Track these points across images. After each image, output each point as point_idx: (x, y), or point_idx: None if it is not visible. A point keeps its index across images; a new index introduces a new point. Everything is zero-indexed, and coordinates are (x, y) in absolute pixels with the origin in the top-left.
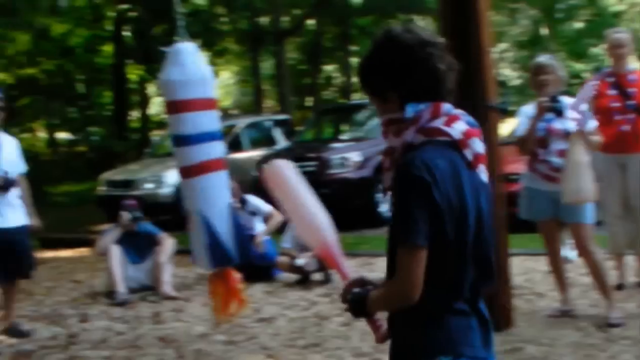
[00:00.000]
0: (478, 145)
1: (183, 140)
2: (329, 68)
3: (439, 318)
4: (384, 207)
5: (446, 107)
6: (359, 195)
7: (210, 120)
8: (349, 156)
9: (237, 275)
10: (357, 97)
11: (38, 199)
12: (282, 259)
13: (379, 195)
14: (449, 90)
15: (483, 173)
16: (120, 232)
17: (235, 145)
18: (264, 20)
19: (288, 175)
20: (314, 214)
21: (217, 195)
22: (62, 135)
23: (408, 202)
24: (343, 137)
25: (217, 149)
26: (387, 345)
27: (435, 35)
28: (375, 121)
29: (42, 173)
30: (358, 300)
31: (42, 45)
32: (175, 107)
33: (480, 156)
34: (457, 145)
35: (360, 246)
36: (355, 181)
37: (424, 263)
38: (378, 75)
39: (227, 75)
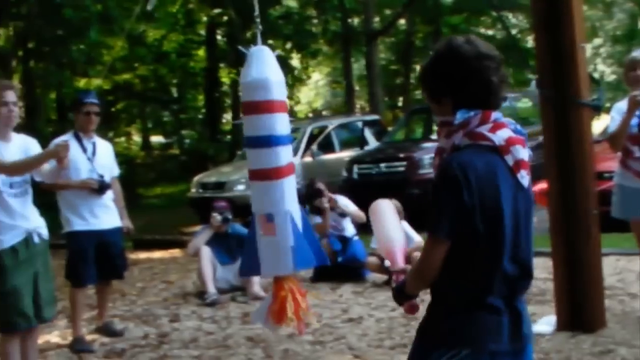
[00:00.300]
0: (520, 152)
1: (264, 141)
2: None
3: (467, 311)
4: None
5: (495, 115)
6: None
7: (285, 123)
8: None
9: (300, 285)
10: None
11: (132, 201)
12: (371, 260)
13: None
14: (500, 99)
15: (524, 178)
16: (211, 233)
17: (326, 146)
18: (355, 21)
19: (384, 208)
20: (390, 233)
21: (294, 198)
22: (155, 138)
23: (439, 198)
24: (434, 137)
25: (290, 152)
26: None
27: (493, 48)
28: None
29: (136, 176)
30: (400, 287)
31: (137, 51)
32: (254, 108)
33: (522, 162)
34: (498, 151)
35: None
36: None
37: (442, 254)
38: (436, 81)
39: (319, 77)
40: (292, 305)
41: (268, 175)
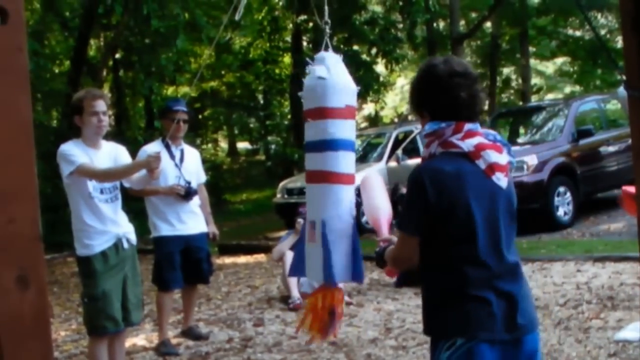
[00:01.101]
0: (492, 156)
1: (328, 145)
2: (507, 70)
3: (453, 303)
4: (561, 211)
5: (469, 126)
6: (535, 199)
7: (351, 129)
8: (526, 159)
9: (342, 297)
10: (536, 100)
11: (218, 207)
12: None
13: (557, 199)
14: (474, 112)
15: (501, 180)
16: (296, 238)
17: (411, 150)
18: (440, 24)
19: (372, 181)
20: (376, 202)
21: (344, 208)
22: (242, 144)
23: (408, 199)
24: (520, 140)
25: (350, 163)
26: None
27: (468, 67)
28: (553, 124)
29: (222, 182)
30: (380, 253)
31: (224, 58)
32: (320, 113)
33: (496, 165)
34: (468, 156)
35: (535, 251)
36: (532, 184)
37: (413, 247)
38: (416, 96)
39: (404, 81)
40: (310, 319)
41: (321, 178)
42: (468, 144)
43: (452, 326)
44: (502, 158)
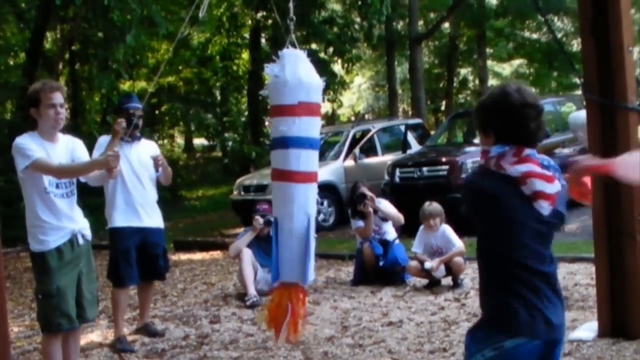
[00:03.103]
0: (537, 185)
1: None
2: (464, 71)
3: (506, 301)
4: None
5: (527, 151)
6: None
7: (314, 127)
8: (482, 160)
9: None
10: None
11: (174, 203)
12: (412, 264)
13: None
14: (537, 140)
15: (544, 208)
16: (252, 235)
17: (369, 149)
18: (398, 24)
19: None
20: None
21: (309, 205)
22: (198, 140)
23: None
24: (476, 140)
25: (316, 158)
26: None
27: (537, 99)
28: None
29: (179, 178)
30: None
31: (182, 54)
32: (284, 110)
33: (541, 193)
34: (514, 181)
35: None
36: None
37: None
38: (486, 116)
39: (361, 80)
40: (289, 316)
41: (275, 175)
42: (516, 170)
43: (502, 322)
44: (550, 187)
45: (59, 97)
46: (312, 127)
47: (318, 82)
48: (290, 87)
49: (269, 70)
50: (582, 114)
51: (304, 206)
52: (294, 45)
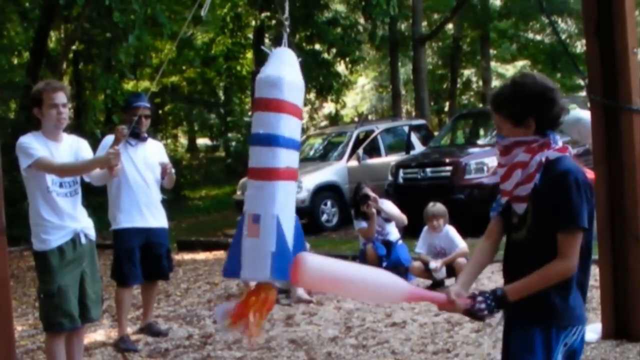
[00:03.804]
0: None
1: (271, 140)
2: (468, 72)
3: (581, 293)
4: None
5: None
6: (494, 201)
7: (293, 127)
8: (486, 161)
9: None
10: None
11: (177, 203)
12: (415, 264)
13: None
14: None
15: None
16: None
17: (372, 150)
18: (402, 25)
19: (319, 267)
20: (372, 280)
21: (288, 206)
22: (202, 141)
23: (577, 196)
24: (480, 141)
25: (296, 158)
26: None
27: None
28: None
29: (182, 178)
30: (499, 301)
31: (185, 54)
32: (263, 105)
33: None
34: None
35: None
36: (491, 186)
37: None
38: (527, 105)
39: (365, 81)
40: (257, 316)
41: (263, 174)
42: (570, 150)
43: (573, 311)
44: None
45: (61, 97)
46: (282, 123)
47: (294, 79)
48: (265, 83)
49: (269, 67)
50: (573, 114)
51: (288, 206)
52: (289, 46)
